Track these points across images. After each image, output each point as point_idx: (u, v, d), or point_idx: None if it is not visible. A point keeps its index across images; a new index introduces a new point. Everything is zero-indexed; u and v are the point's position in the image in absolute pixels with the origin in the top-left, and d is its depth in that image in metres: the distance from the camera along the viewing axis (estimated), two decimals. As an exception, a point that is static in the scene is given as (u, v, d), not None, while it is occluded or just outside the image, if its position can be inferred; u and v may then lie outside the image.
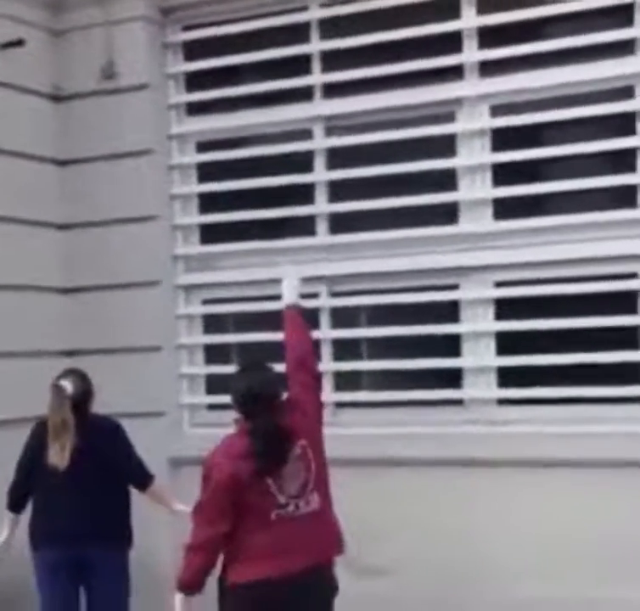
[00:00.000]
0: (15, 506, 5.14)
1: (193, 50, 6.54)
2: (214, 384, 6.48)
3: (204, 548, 4.13)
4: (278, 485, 4.09)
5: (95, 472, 4.95)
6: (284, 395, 4.34)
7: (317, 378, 4.57)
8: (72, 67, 6.52)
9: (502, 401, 5.77)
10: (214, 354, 6.54)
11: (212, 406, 6.47)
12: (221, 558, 4.19)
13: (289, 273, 4.80)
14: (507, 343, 5.74)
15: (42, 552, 5.03)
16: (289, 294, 4.71)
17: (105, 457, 5.01)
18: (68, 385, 4.97)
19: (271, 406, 4.16)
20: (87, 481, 4.93)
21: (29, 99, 6.38)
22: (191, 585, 4.16)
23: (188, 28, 6.51)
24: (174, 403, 6.49)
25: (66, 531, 4.93)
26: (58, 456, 4.88)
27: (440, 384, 5.87)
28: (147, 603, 5.38)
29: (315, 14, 6.16)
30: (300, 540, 4.11)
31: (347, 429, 5.87)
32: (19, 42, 6.19)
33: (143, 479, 5.20)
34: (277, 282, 6.11)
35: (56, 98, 6.55)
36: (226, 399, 6.30)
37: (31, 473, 5.03)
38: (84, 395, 5.04)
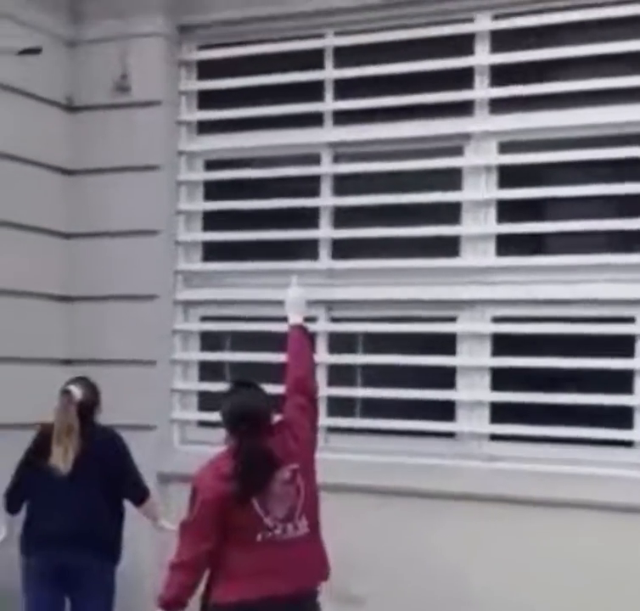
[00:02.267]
0: (11, 507, 5.16)
1: (208, 69, 6.59)
2: (206, 401, 6.49)
3: (188, 566, 4.15)
4: (265, 508, 4.11)
5: (94, 480, 4.99)
6: (276, 417, 4.36)
7: (314, 401, 4.59)
8: (87, 78, 6.56)
9: (495, 437, 5.79)
10: (208, 371, 6.56)
11: (203, 423, 6.47)
12: (205, 577, 4.21)
13: (295, 293, 4.81)
14: (502, 378, 5.77)
15: (32, 556, 5.04)
16: (295, 314, 4.72)
17: (105, 467, 5.05)
18: (77, 391, 5.03)
19: (258, 427, 4.17)
20: (85, 488, 4.96)
21: (42, 107, 6.41)
22: (173, 603, 4.16)
23: (203, 47, 6.57)
24: (165, 418, 6.50)
25: (60, 534, 4.93)
26: (61, 458, 4.93)
27: (433, 416, 5.89)
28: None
29: (331, 41, 6.21)
30: (286, 564, 4.11)
31: (338, 455, 5.87)
32: (36, 50, 6.21)
33: (141, 493, 5.23)
34: (276, 303, 6.19)
35: (69, 108, 6.59)
36: (217, 416, 6.37)
37: (28, 475, 5.04)
38: (91, 402, 5.11)
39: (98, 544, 5.02)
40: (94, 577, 5.02)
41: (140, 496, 5.23)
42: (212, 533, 4.09)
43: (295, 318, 4.72)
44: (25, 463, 5.12)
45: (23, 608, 5.09)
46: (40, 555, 4.99)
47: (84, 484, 4.96)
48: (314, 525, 4.27)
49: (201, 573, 4.18)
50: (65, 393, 5.04)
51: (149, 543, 5.70)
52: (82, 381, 5.18)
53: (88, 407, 5.10)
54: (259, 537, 4.10)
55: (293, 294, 4.84)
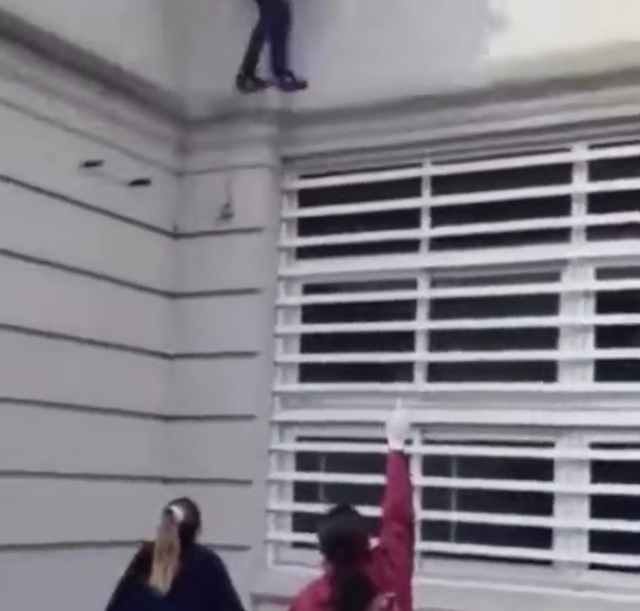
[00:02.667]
0: None
1: (308, 197, 6.86)
2: (301, 522, 6.51)
3: None
4: None
5: (192, 600, 4.99)
6: (373, 542, 4.33)
7: (411, 527, 4.54)
8: (192, 206, 6.88)
9: (594, 566, 5.66)
10: (303, 491, 6.59)
11: (298, 544, 6.49)
12: None
13: (399, 416, 4.83)
14: (601, 505, 5.67)
15: None
16: (396, 438, 4.72)
17: (204, 588, 5.05)
18: (179, 512, 5.09)
19: (355, 552, 4.12)
20: (183, 608, 4.95)
21: (149, 234, 6.72)
22: None
23: (305, 176, 6.84)
24: (260, 538, 6.53)
25: None
26: (161, 578, 4.95)
27: (529, 542, 5.80)
28: None
29: (428, 170, 6.43)
30: None
31: (432, 580, 5.78)
32: (145, 181, 6.57)
33: None
34: (372, 424, 6.24)
35: (174, 235, 6.89)
36: (312, 537, 6.35)
37: (129, 593, 5.06)
38: (192, 523, 5.14)
39: None
40: None
41: None
42: None
43: (396, 443, 4.70)
44: (125, 580, 5.15)
45: None
46: None
47: (182, 605, 4.96)
48: None
49: None
50: (168, 513, 5.10)
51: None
52: (184, 502, 5.24)
53: (189, 528, 5.14)
54: None
55: (397, 417, 4.81)
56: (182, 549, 5.03)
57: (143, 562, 5.07)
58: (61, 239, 6.01)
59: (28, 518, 5.72)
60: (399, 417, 4.77)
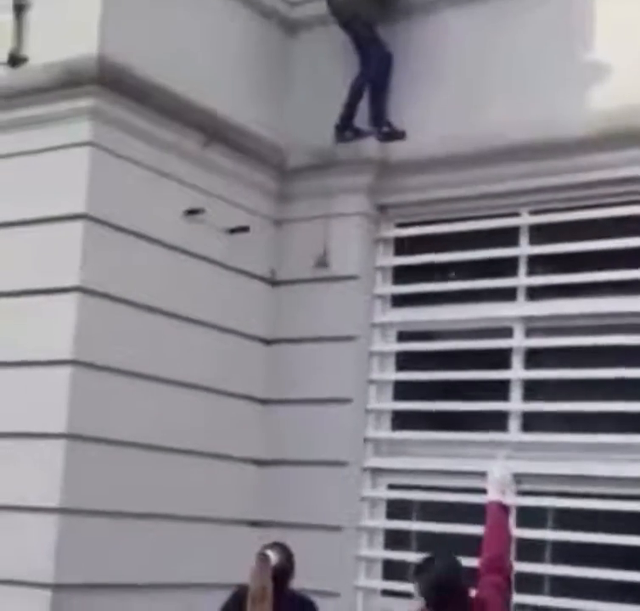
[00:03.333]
0: None
1: (404, 245, 6.91)
2: (391, 570, 6.47)
3: None
4: None
5: None
6: (471, 592, 4.27)
7: (509, 580, 4.46)
8: (289, 254, 6.99)
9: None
10: (394, 539, 6.56)
11: (387, 592, 6.45)
12: None
13: (501, 470, 4.75)
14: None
15: None
16: (495, 491, 4.67)
17: None
18: (273, 556, 5.08)
19: (454, 600, 4.09)
20: None
21: (246, 281, 6.85)
22: None
23: (401, 225, 6.90)
24: (349, 585, 6.50)
25: None
26: None
27: (628, 598, 5.66)
28: None
29: (525, 220, 6.43)
30: None
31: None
32: (244, 228, 6.71)
33: None
34: (465, 474, 6.20)
35: (271, 282, 7.01)
36: (402, 586, 6.33)
37: None
38: (286, 568, 5.12)
39: None
40: None
41: None
42: None
43: (496, 495, 4.66)
44: None
45: None
46: None
47: None
48: None
49: None
50: (262, 556, 5.10)
51: None
52: (279, 546, 5.23)
53: (283, 572, 5.11)
54: None
55: (498, 471, 4.75)
56: (275, 594, 5.01)
57: (235, 606, 5.07)
58: (160, 284, 6.17)
59: (128, 558, 5.83)
60: (501, 469, 4.73)
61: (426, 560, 4.33)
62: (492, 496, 4.63)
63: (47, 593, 5.48)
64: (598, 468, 5.89)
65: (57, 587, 5.49)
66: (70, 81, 5.83)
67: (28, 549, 5.56)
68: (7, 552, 5.60)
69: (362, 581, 6.54)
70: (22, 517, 5.62)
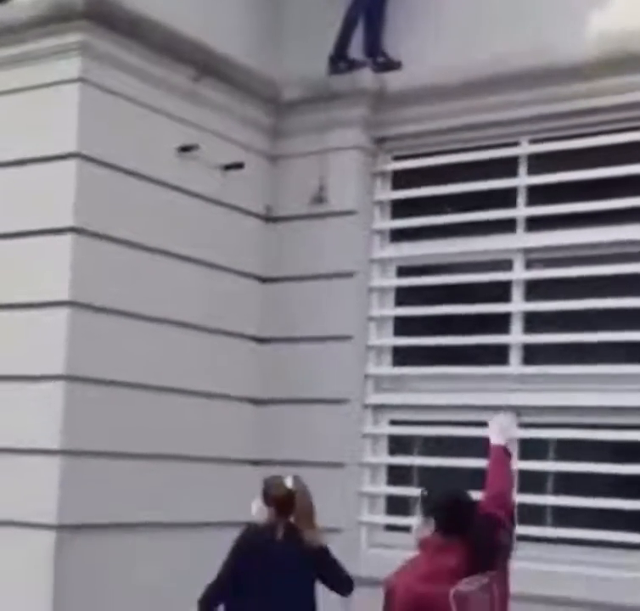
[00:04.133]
0: (207, 608, 5.04)
1: (401, 179, 6.80)
2: (394, 505, 6.48)
3: None
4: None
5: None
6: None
7: (512, 516, 4.46)
8: (285, 190, 6.89)
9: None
10: (397, 475, 6.56)
11: (391, 527, 6.47)
12: None
13: (502, 418, 4.66)
14: None
15: None
16: (496, 437, 4.60)
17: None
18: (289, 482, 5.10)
19: (463, 517, 3.96)
20: (287, 583, 4.93)
21: (241, 218, 6.76)
22: None
23: (398, 158, 6.79)
24: (353, 521, 6.51)
25: None
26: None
27: (628, 527, 5.67)
28: None
29: (525, 149, 6.32)
30: None
31: (526, 564, 5.64)
32: (238, 165, 6.60)
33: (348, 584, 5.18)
34: (466, 408, 6.19)
35: (267, 219, 6.91)
36: (405, 520, 6.33)
37: (234, 574, 5.05)
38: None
39: None
40: None
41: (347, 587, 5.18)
42: None
43: (498, 439, 4.62)
44: (231, 560, 5.07)
45: None
46: None
47: (286, 582, 4.93)
48: None
49: None
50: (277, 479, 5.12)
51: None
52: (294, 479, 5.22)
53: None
54: None
55: (501, 418, 4.65)
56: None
57: (250, 543, 5.03)
58: (155, 223, 6.09)
59: (129, 498, 5.83)
60: (503, 418, 4.69)
61: (431, 490, 4.27)
62: (495, 440, 4.59)
63: (51, 534, 5.50)
64: (599, 399, 5.86)
65: (60, 528, 5.51)
66: (58, 17, 5.70)
67: (31, 491, 5.57)
68: (10, 494, 5.61)
69: (366, 517, 6.56)
70: (24, 459, 5.62)
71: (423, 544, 4.08)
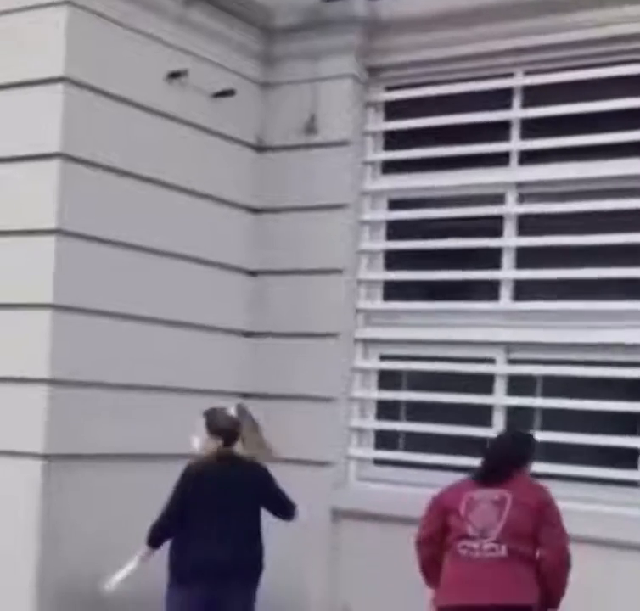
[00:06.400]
0: (158, 540, 5.05)
1: (394, 109, 6.67)
2: (383, 440, 6.49)
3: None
4: (468, 516, 4.46)
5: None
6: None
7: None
8: (276, 119, 6.75)
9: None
10: (386, 409, 6.55)
11: (379, 461, 6.48)
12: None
13: None
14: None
15: (185, 586, 4.92)
16: None
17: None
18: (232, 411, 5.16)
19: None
20: (237, 510, 4.97)
21: (232, 147, 6.64)
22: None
23: (391, 88, 6.66)
24: (342, 455, 6.51)
25: (218, 560, 4.88)
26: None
27: (614, 463, 5.69)
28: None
29: (519, 81, 6.20)
30: (484, 577, 4.39)
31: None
32: (229, 92, 6.47)
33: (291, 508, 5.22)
34: (457, 343, 6.18)
35: (258, 148, 6.79)
36: (394, 455, 6.37)
37: (182, 506, 5.01)
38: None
39: (248, 567, 5.03)
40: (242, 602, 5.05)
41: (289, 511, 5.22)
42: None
43: None
44: (178, 495, 5.05)
45: None
46: (194, 584, 4.88)
47: (235, 509, 4.99)
48: (515, 555, 4.40)
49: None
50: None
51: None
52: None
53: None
54: (459, 546, 4.44)
55: None
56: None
57: (197, 474, 5.05)
58: (142, 150, 5.98)
59: (117, 429, 5.81)
60: None
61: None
62: None
63: (38, 463, 5.49)
64: (589, 335, 5.84)
65: (47, 457, 5.50)
66: (43, -63, 5.53)
67: (18, 420, 5.54)
68: (-3, 423, 5.59)
69: (355, 451, 6.56)
70: (9, 388, 5.59)
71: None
